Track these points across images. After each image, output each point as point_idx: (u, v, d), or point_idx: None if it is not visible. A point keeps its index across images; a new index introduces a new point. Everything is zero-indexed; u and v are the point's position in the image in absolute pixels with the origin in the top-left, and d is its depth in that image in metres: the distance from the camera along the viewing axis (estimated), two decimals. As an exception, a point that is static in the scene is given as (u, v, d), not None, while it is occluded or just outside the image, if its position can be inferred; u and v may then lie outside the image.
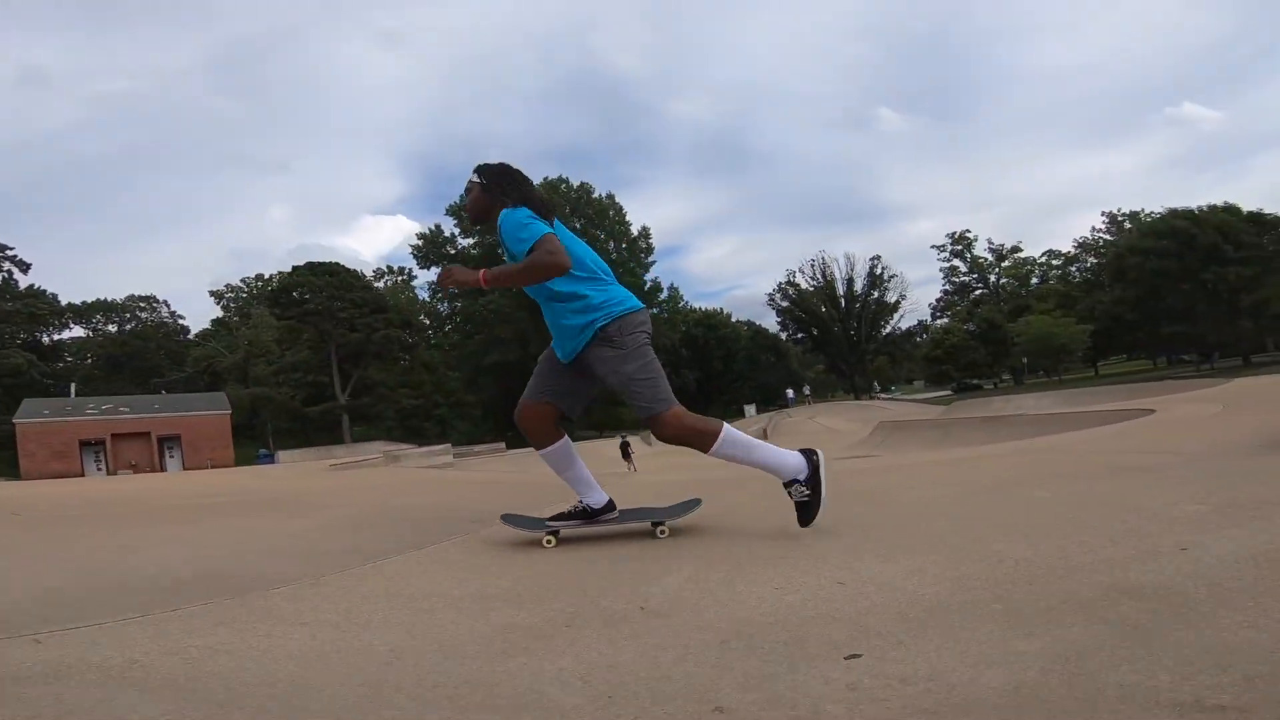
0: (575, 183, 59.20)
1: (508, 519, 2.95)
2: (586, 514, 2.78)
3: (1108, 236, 64.22)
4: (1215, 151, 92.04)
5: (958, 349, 62.21)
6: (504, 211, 2.55)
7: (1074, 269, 64.80)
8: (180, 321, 68.62)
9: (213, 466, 30.11)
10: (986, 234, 69.68)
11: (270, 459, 32.25)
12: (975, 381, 65.54)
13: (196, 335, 67.69)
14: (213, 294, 66.93)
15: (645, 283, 58.67)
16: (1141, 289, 47.56)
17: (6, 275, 56.81)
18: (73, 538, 3.97)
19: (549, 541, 2.71)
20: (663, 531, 2.70)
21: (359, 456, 22.74)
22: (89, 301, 64.44)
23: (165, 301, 67.28)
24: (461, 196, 3.05)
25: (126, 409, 37.10)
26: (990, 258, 68.47)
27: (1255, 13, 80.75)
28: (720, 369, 66.40)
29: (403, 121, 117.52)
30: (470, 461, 23.88)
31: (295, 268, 45.16)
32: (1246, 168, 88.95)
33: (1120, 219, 64.76)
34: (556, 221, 2.62)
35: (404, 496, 5.75)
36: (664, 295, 60.66)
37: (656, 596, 1.96)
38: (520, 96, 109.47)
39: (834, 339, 60.97)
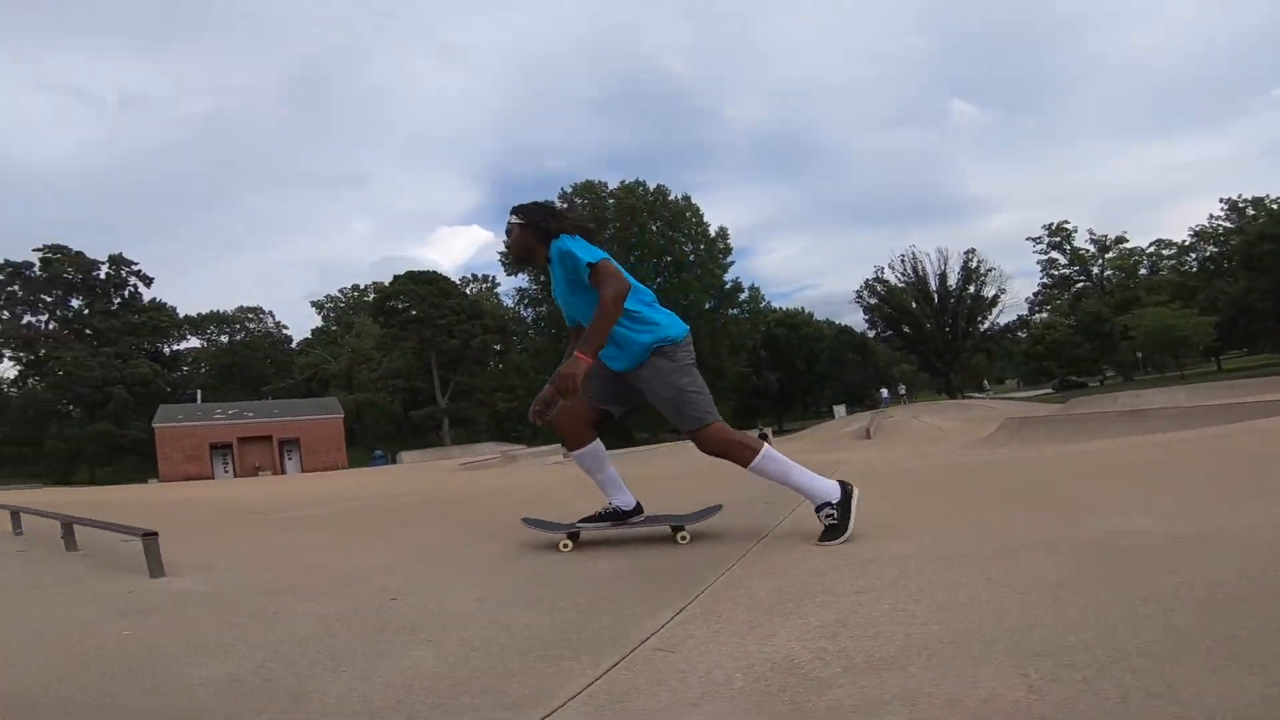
0: (651, 185, 59.35)
1: (529, 522, 3.01)
2: (616, 515, 2.84)
3: (1228, 224, 59.58)
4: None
5: (1060, 344, 59.02)
6: (560, 241, 2.61)
7: (1191, 258, 60.33)
8: (284, 331, 73.01)
9: (339, 468, 31.71)
10: (1067, 225, 65.46)
11: (383, 460, 33.67)
12: (1079, 379, 62.13)
13: (298, 344, 71.76)
14: (313, 304, 70.66)
15: (725, 283, 58.15)
16: (1275, 277, 43.88)
17: (133, 290, 61.85)
18: (416, 538, 4.05)
19: (565, 546, 2.77)
20: (684, 537, 2.70)
21: (477, 457, 23.50)
22: (203, 313, 69.47)
23: (270, 312, 71.66)
24: (505, 240, 3.03)
25: (251, 414, 39.53)
26: (1092, 249, 64.77)
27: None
28: (803, 369, 65.21)
29: (469, 134, 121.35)
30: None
31: (396, 277, 47.16)
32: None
33: (1242, 205, 59.96)
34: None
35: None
36: (744, 295, 59.83)
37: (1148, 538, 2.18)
38: (577, 104, 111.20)
39: (927, 336, 58.72)
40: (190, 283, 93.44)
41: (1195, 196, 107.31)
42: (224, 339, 69.68)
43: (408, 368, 48.00)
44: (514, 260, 2.87)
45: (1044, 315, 64.60)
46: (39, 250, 57.34)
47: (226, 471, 37.96)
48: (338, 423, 39.88)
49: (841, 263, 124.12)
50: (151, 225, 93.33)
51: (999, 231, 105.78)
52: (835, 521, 2.50)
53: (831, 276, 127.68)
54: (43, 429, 52.03)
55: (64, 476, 49.03)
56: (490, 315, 50.40)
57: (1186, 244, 60.81)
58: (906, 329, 60.27)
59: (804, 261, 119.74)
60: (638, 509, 2.88)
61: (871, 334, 63.29)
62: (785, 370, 63.68)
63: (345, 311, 69.15)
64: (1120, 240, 63.63)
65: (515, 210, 2.77)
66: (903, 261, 60.73)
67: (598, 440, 2.81)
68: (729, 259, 59.00)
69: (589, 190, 58.45)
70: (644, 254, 56.70)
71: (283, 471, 37.99)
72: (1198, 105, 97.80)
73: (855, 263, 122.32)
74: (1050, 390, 58.06)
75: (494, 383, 50.20)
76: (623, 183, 59.17)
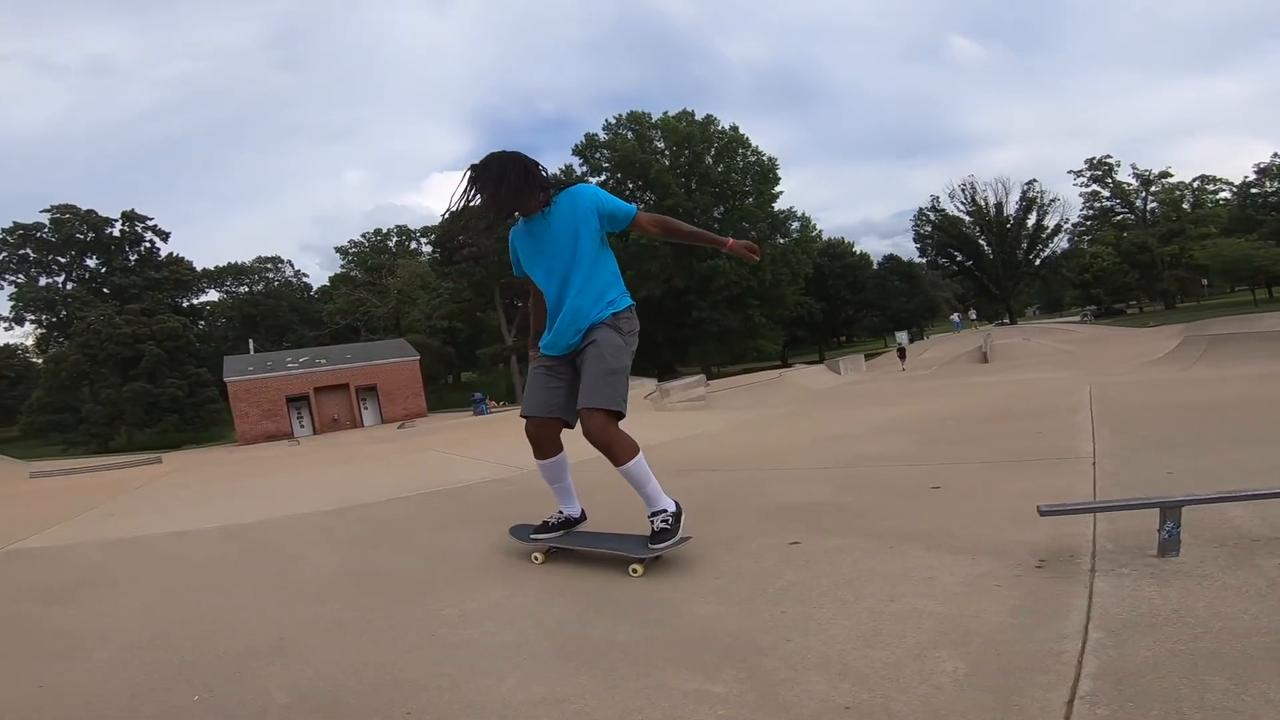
0: (700, 116, 56.55)
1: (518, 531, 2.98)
2: (568, 524, 2.83)
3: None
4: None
5: (1108, 273, 59.67)
6: (588, 188, 2.60)
7: (1254, 192, 60.93)
8: (304, 279, 70.27)
9: (422, 416, 29.95)
10: (1109, 159, 66.27)
11: (485, 405, 31.90)
12: (1118, 306, 63.66)
13: (316, 291, 69.25)
14: (338, 250, 68.45)
15: (779, 214, 56.50)
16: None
17: (149, 245, 58.34)
18: None
19: (536, 558, 2.79)
20: (634, 570, 2.52)
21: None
22: (221, 265, 66.36)
23: (289, 261, 68.76)
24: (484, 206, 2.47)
25: (324, 360, 37.20)
26: (1135, 183, 64.79)
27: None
28: (846, 298, 64.59)
29: (461, 81, 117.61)
30: (724, 396, 22.46)
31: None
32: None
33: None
34: None
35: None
36: (796, 224, 58.26)
37: None
38: (568, 47, 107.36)
39: (987, 264, 58.64)
40: (191, 240, 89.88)
41: (1217, 134, 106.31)
42: (243, 290, 66.81)
43: (464, 309, 46.02)
44: (493, 222, 2.52)
45: (1084, 245, 65.28)
46: (47, 210, 53.67)
47: (303, 427, 35.68)
48: (414, 366, 37.73)
49: (845, 197, 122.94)
50: (143, 187, 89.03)
51: (1005, 167, 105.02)
52: (668, 527, 2.52)
53: (831, 211, 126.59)
54: (76, 392, 49.42)
55: (104, 442, 46.63)
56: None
57: (1250, 180, 60.84)
58: (961, 256, 59.89)
59: (806, 196, 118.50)
60: (583, 516, 2.88)
61: (923, 261, 62.74)
62: (828, 299, 63.02)
63: (368, 255, 66.59)
64: (1164, 175, 63.95)
65: (481, 170, 2.45)
66: (962, 190, 60.24)
67: (564, 450, 2.77)
68: (777, 189, 57.18)
69: (636, 120, 55.81)
70: (701, 184, 54.90)
71: (361, 424, 36.07)
72: (1213, 46, 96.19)
73: (858, 197, 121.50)
74: (1089, 317, 59.00)
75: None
76: (666, 113, 56.68)
